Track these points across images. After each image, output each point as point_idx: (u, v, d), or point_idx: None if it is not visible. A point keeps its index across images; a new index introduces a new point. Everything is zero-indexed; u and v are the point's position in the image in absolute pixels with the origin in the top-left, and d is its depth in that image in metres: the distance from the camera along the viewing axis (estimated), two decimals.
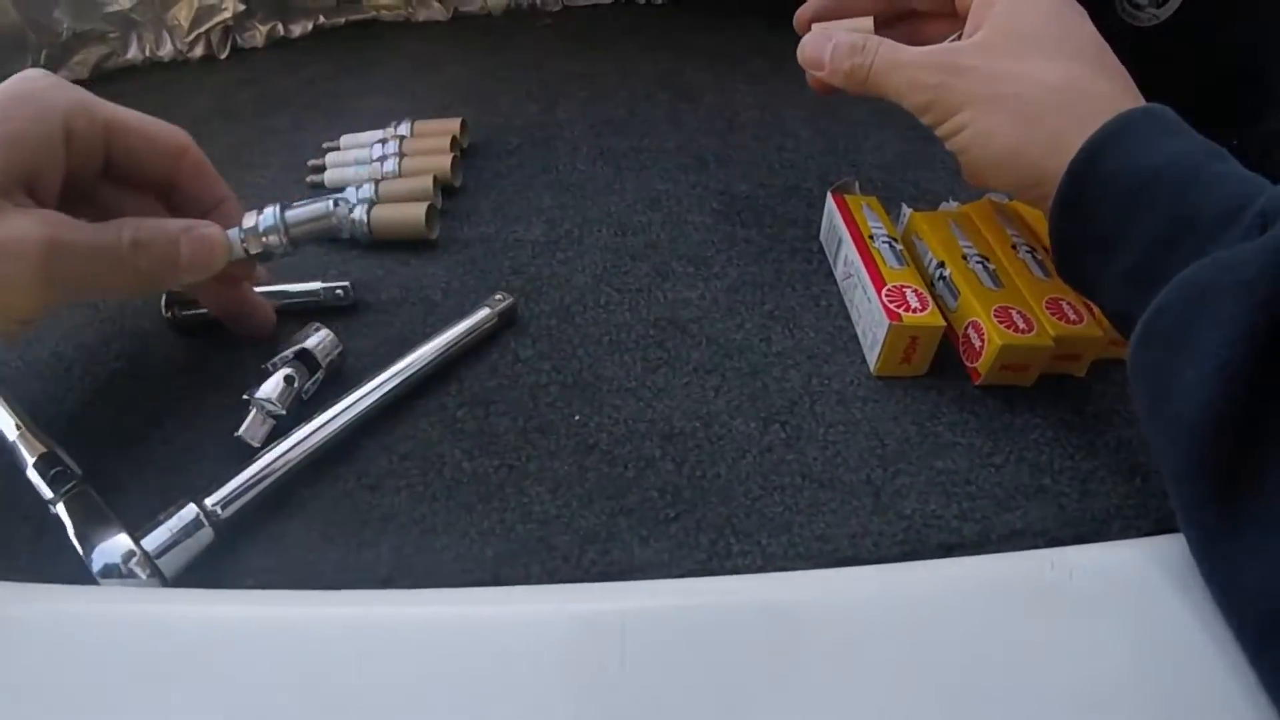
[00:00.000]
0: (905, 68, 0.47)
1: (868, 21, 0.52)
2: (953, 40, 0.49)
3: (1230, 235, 0.35)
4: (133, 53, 0.80)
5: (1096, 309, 0.47)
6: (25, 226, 0.38)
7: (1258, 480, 0.32)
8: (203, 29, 0.81)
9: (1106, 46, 0.44)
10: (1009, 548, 0.40)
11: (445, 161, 0.62)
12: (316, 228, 0.47)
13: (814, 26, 0.53)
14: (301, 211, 0.46)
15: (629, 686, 0.32)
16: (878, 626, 0.34)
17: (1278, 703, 0.31)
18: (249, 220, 0.46)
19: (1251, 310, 0.32)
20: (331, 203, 0.47)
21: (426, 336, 0.48)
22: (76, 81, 0.74)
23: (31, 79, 0.41)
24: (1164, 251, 0.37)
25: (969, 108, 0.44)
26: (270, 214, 0.46)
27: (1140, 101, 0.42)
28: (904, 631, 0.34)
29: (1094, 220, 0.40)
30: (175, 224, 0.43)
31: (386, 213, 0.57)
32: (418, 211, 0.57)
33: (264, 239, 0.45)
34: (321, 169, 0.65)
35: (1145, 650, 0.33)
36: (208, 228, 0.44)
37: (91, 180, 0.44)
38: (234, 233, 0.45)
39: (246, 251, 0.45)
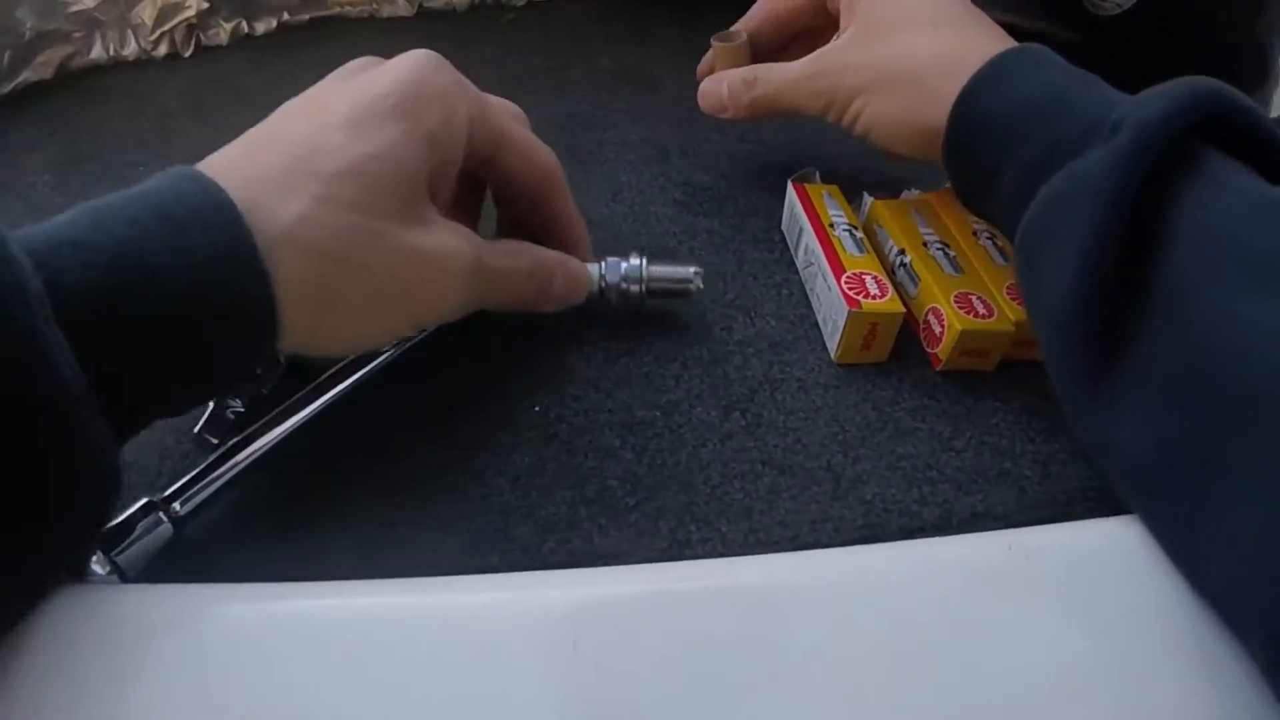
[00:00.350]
0: (795, 83, 0.53)
1: (742, 36, 0.59)
2: (833, 42, 0.53)
3: (1089, 147, 0.38)
4: (96, 52, 0.79)
5: None
6: (459, 244, 0.39)
7: (1121, 357, 0.35)
8: (167, 27, 0.80)
9: (972, 9, 0.50)
10: (969, 530, 0.40)
11: None
12: (672, 288, 0.49)
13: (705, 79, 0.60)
14: (665, 270, 0.49)
15: (582, 674, 0.32)
16: (836, 610, 0.34)
17: (1163, 544, 0.35)
18: (611, 264, 0.48)
19: (1100, 208, 0.35)
20: (694, 270, 0.49)
21: None
22: (40, 82, 0.74)
23: (437, 72, 0.39)
24: (1038, 173, 0.40)
25: (859, 95, 0.50)
26: (636, 264, 0.48)
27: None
28: (863, 614, 0.34)
29: (978, 154, 0.44)
30: (552, 256, 0.45)
31: None
32: None
33: (622, 284, 0.48)
34: None
35: (1103, 630, 0.34)
36: (578, 264, 0.47)
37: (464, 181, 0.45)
38: (593, 268, 0.48)
39: (602, 292, 0.48)
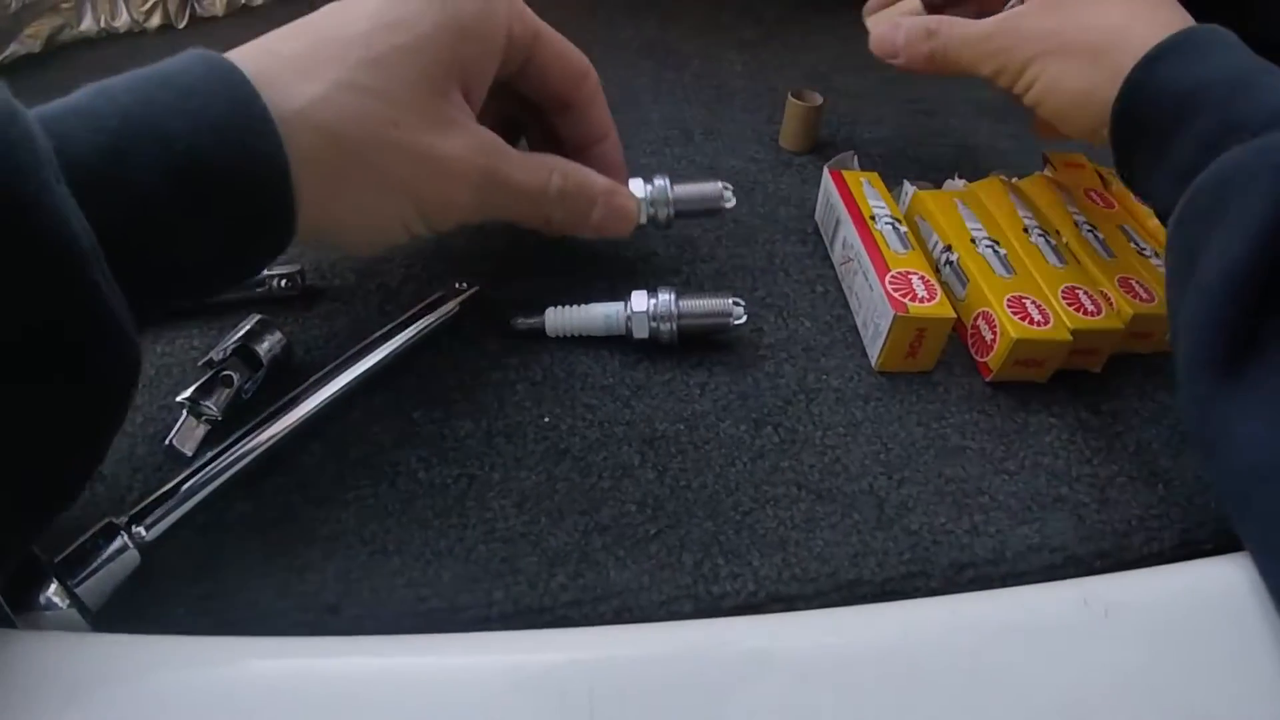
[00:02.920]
0: (974, 42, 0.50)
1: (915, 3, 0.57)
2: (1013, 6, 0.50)
3: (1272, 130, 0.36)
4: (87, 24, 0.75)
5: (1115, 299, 0.45)
6: (470, 152, 0.39)
7: (1267, 343, 0.33)
8: None
9: None
10: (1024, 565, 0.37)
11: None
12: (702, 206, 0.48)
13: (873, 19, 0.58)
14: (691, 189, 0.48)
15: None
16: (893, 678, 0.30)
17: (1261, 549, 0.32)
18: (637, 187, 0.47)
19: None
20: (723, 185, 0.48)
21: (382, 328, 0.43)
22: (28, 56, 0.70)
23: None
24: (1210, 151, 0.38)
25: (1036, 62, 0.47)
26: (662, 186, 0.47)
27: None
28: (922, 683, 0.30)
29: (1149, 125, 0.42)
30: (600, 184, 0.44)
31: None
32: None
33: (651, 209, 0.47)
34: None
35: (1196, 704, 0.30)
36: (626, 199, 0.45)
37: (500, 85, 0.43)
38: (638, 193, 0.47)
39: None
